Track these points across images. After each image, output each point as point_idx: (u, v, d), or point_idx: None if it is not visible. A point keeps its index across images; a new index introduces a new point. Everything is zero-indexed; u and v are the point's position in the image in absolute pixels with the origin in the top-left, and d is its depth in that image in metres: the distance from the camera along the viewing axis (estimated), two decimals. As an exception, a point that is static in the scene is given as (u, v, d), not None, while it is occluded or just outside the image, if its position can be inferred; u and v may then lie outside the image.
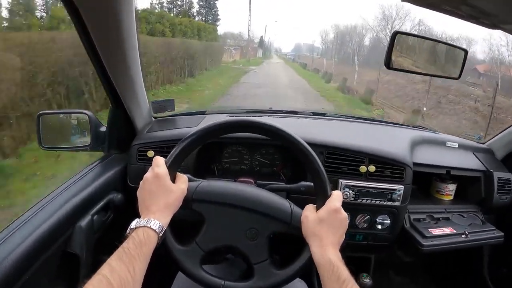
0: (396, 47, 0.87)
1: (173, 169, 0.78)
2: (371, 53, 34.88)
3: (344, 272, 0.66)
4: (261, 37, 57.61)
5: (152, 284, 0.67)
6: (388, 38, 0.89)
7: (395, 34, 0.86)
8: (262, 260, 0.78)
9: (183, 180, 0.79)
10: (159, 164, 0.76)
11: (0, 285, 0.72)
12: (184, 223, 0.82)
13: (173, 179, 0.77)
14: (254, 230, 0.78)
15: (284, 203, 0.81)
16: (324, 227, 0.73)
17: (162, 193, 0.74)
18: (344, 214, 0.74)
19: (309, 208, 0.78)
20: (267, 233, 0.79)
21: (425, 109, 11.88)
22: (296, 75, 23.21)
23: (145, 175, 0.76)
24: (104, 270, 0.58)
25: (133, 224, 0.70)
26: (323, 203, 0.75)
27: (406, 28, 31.78)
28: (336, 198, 0.75)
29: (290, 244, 0.83)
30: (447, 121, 10.96)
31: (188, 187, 0.79)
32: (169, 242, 0.77)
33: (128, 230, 0.69)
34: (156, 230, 0.68)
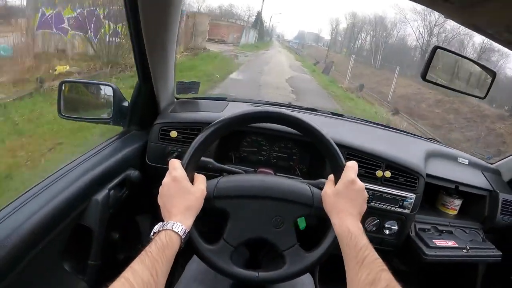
0: (434, 61, 0.89)
1: (190, 170, 0.77)
2: (404, 56, 27.55)
3: (362, 240, 0.68)
4: (258, 13, 42.37)
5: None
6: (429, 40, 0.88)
7: (436, 48, 0.88)
8: (291, 245, 0.79)
9: (201, 180, 0.78)
10: (176, 167, 0.76)
11: (14, 252, 0.72)
12: (210, 222, 0.82)
13: (192, 180, 0.77)
14: (279, 218, 0.79)
15: (303, 187, 0.83)
16: (342, 199, 0.75)
17: (182, 196, 0.73)
18: (360, 185, 0.76)
19: (328, 184, 0.80)
20: (292, 219, 0.80)
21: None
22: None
23: (163, 180, 0.75)
24: (127, 273, 0.58)
25: (156, 228, 0.70)
26: (340, 177, 0.77)
27: (449, 27, 23.89)
28: (350, 169, 0.77)
29: (314, 228, 0.85)
30: None
31: (208, 186, 0.78)
32: (197, 243, 0.77)
33: (151, 234, 0.69)
34: (179, 232, 0.68)
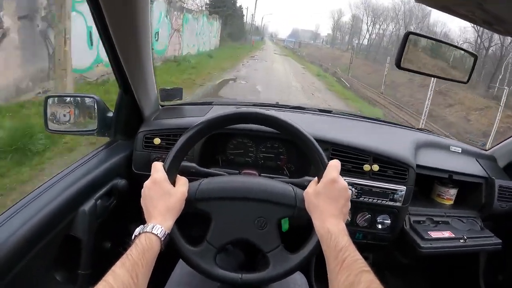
0: (408, 47, 0.88)
1: (172, 172, 0.78)
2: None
3: (342, 240, 0.66)
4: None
5: (152, 272, 0.68)
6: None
7: (408, 34, 0.87)
8: (274, 247, 0.78)
9: (182, 182, 0.79)
10: (157, 169, 0.77)
11: (2, 265, 0.73)
12: (193, 216, 0.82)
13: (174, 182, 0.78)
14: (262, 219, 0.79)
15: (286, 188, 0.82)
16: (323, 199, 0.73)
17: (162, 198, 0.74)
18: (343, 184, 0.74)
19: (311, 184, 0.79)
20: (275, 220, 0.79)
21: None
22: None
23: (145, 183, 0.77)
24: (108, 276, 0.59)
25: (136, 231, 0.71)
26: (322, 176, 0.76)
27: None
28: (332, 168, 0.75)
29: (300, 229, 0.83)
30: None
31: (190, 188, 0.79)
32: (180, 245, 0.77)
33: (132, 237, 0.70)
34: (158, 235, 0.69)
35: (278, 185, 0.83)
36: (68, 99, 1.32)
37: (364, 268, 0.61)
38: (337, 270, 0.62)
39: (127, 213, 1.19)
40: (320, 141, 0.79)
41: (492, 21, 0.60)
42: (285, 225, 0.83)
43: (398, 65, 0.89)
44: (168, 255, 0.81)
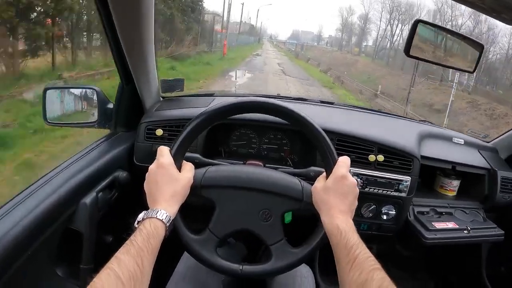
0: (416, 36, 0.87)
1: (178, 158, 0.76)
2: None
3: (353, 237, 0.66)
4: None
5: (157, 265, 0.67)
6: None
7: (417, 22, 0.87)
8: (278, 240, 0.77)
9: (188, 168, 0.77)
10: (163, 153, 0.75)
11: (2, 259, 0.71)
12: (196, 208, 0.81)
13: (179, 168, 0.76)
14: (267, 211, 0.77)
15: (294, 181, 0.81)
16: (332, 195, 0.73)
17: (167, 183, 0.72)
18: (352, 180, 0.73)
19: (319, 179, 0.78)
20: (280, 213, 0.78)
21: None
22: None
23: (150, 167, 0.74)
24: (112, 263, 0.57)
25: (140, 216, 0.69)
26: (331, 172, 0.75)
27: None
28: (342, 164, 0.75)
29: (303, 223, 0.83)
30: None
31: (196, 174, 0.77)
32: (182, 233, 0.76)
33: (136, 223, 0.68)
34: (163, 220, 0.67)
35: (285, 177, 0.82)
36: (67, 90, 1.31)
37: (375, 266, 0.60)
38: (349, 267, 0.61)
39: (129, 205, 1.18)
40: (325, 131, 0.78)
41: (500, 10, 0.59)
42: (288, 217, 0.82)
43: (407, 53, 0.88)
44: (172, 249, 0.80)
